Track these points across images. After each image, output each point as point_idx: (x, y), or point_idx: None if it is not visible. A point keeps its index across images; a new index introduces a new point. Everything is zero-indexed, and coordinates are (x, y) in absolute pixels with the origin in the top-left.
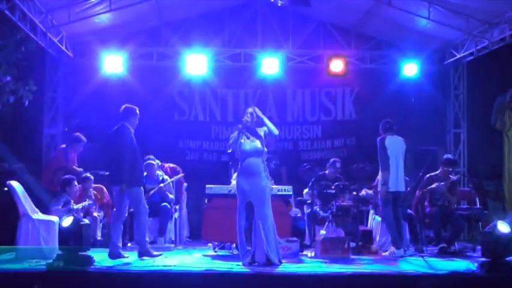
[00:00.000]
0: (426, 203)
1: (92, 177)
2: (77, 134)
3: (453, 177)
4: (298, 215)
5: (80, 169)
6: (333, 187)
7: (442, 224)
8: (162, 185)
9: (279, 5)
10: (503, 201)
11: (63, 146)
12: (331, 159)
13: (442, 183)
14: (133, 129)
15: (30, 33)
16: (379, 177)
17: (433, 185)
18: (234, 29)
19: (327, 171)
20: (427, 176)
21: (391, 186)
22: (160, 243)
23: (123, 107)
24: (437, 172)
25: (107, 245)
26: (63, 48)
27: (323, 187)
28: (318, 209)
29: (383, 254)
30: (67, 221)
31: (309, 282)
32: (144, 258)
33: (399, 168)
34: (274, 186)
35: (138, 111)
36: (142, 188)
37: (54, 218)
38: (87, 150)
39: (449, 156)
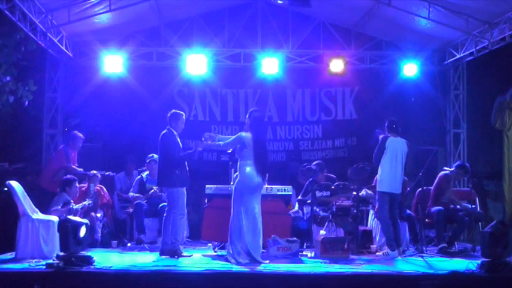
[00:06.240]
0: (431, 202)
1: (99, 175)
2: (73, 131)
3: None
4: (298, 213)
5: (80, 169)
6: (332, 187)
7: (444, 224)
8: (155, 188)
9: (280, 2)
10: (503, 201)
11: (62, 146)
12: (313, 165)
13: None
14: (177, 133)
15: (30, 33)
16: (377, 177)
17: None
18: (234, 29)
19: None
20: (444, 174)
21: (388, 188)
22: (160, 243)
23: (170, 112)
24: (449, 172)
25: (107, 245)
26: (63, 48)
27: (318, 188)
28: (318, 209)
29: (377, 254)
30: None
31: (309, 282)
32: (165, 257)
33: (397, 170)
34: (275, 186)
35: (183, 116)
36: (185, 189)
37: (54, 218)
38: (87, 150)
39: (465, 163)
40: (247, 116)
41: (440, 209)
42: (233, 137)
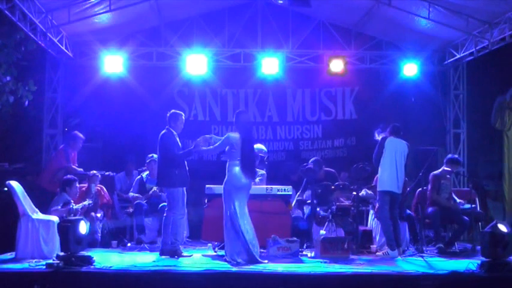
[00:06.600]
0: (428, 202)
1: (99, 175)
2: (74, 132)
3: (449, 176)
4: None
5: (80, 169)
6: (333, 187)
7: (442, 224)
8: (155, 188)
9: (280, 2)
10: (503, 201)
11: (62, 146)
12: (310, 162)
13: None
14: (177, 133)
15: (30, 33)
16: (377, 176)
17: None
18: (234, 29)
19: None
20: (432, 174)
21: (388, 186)
22: (160, 243)
23: (169, 112)
24: (440, 170)
25: (107, 245)
26: (63, 48)
27: (319, 187)
28: (318, 209)
29: (377, 254)
30: (83, 227)
31: (309, 282)
32: (165, 257)
33: (398, 169)
34: (275, 186)
35: (183, 117)
36: (184, 189)
37: (54, 218)
38: (87, 150)
39: (453, 156)
40: (234, 118)
41: (435, 209)
42: (222, 138)
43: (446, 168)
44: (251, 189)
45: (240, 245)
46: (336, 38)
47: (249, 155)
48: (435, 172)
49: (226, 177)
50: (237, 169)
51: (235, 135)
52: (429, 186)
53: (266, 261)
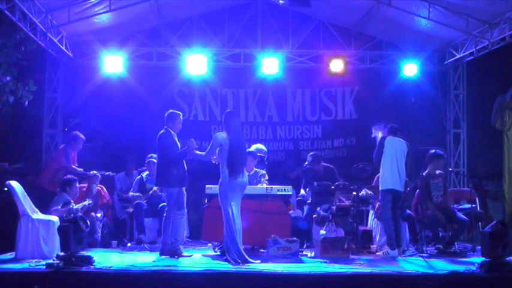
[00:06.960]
0: (424, 206)
1: (99, 175)
2: (75, 132)
3: (439, 172)
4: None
5: (80, 169)
6: (333, 187)
7: (440, 225)
8: (155, 188)
9: (281, 2)
10: (503, 201)
11: (62, 146)
12: (309, 156)
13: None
14: (175, 133)
15: (30, 33)
16: (379, 175)
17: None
18: (234, 29)
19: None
20: (420, 176)
21: (390, 185)
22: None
23: (167, 112)
24: (426, 171)
25: (107, 245)
26: (63, 48)
27: (319, 186)
28: (318, 208)
29: (377, 253)
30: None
31: (309, 282)
32: (165, 257)
33: (399, 167)
34: (275, 186)
35: (181, 116)
36: (184, 189)
37: (54, 218)
38: (87, 150)
39: (431, 152)
40: (222, 118)
41: (432, 210)
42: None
43: (433, 167)
44: (251, 189)
45: (237, 245)
46: (336, 38)
47: (237, 155)
48: (422, 174)
49: (220, 178)
50: (228, 170)
51: (223, 134)
52: (421, 189)
53: (259, 261)
